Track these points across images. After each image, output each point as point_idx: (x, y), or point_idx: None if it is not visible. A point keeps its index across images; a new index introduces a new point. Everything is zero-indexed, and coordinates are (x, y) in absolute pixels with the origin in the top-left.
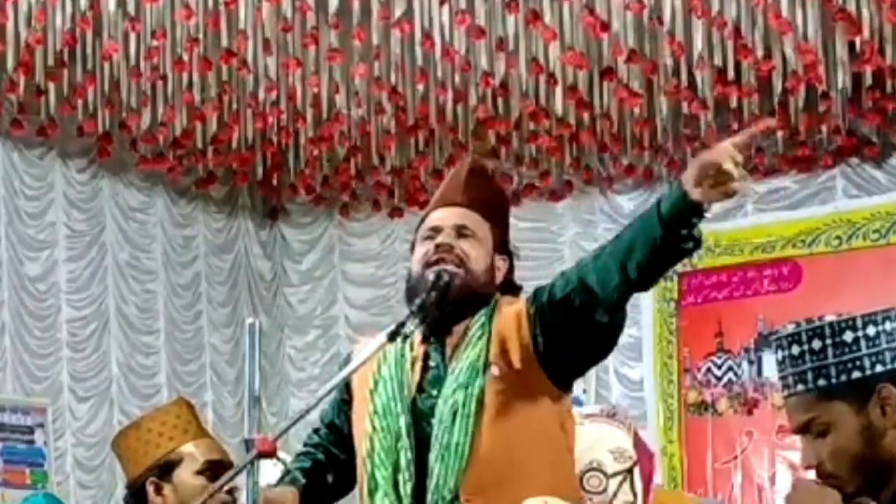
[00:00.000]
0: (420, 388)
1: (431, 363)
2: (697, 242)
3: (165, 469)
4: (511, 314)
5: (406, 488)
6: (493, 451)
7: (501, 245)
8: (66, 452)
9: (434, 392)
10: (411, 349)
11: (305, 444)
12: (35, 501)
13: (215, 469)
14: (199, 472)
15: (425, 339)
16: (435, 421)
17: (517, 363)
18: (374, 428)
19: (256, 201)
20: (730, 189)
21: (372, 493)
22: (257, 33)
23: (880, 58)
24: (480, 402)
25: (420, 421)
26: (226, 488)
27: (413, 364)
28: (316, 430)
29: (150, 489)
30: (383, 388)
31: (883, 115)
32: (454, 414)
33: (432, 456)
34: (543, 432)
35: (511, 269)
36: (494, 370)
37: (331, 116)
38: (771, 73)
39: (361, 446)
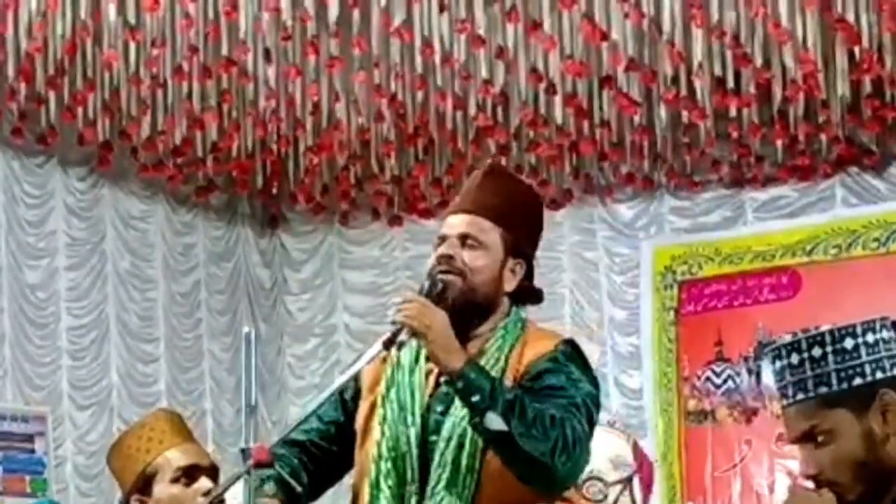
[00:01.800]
0: (429, 404)
1: (443, 378)
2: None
3: (146, 483)
4: (539, 348)
5: (411, 501)
6: (501, 479)
7: (515, 249)
8: (66, 461)
9: (439, 409)
10: (426, 360)
11: (286, 443)
12: None
13: (190, 473)
14: (175, 480)
15: None
16: (441, 442)
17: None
18: (382, 434)
19: (256, 210)
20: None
21: (374, 500)
22: (257, 42)
23: (879, 67)
24: None
25: (427, 435)
26: (206, 489)
27: (427, 375)
28: (307, 419)
29: None
30: (395, 396)
31: (882, 123)
32: (462, 442)
33: (435, 477)
34: None
35: (529, 273)
36: None
37: (330, 125)
38: (770, 81)
39: (365, 448)
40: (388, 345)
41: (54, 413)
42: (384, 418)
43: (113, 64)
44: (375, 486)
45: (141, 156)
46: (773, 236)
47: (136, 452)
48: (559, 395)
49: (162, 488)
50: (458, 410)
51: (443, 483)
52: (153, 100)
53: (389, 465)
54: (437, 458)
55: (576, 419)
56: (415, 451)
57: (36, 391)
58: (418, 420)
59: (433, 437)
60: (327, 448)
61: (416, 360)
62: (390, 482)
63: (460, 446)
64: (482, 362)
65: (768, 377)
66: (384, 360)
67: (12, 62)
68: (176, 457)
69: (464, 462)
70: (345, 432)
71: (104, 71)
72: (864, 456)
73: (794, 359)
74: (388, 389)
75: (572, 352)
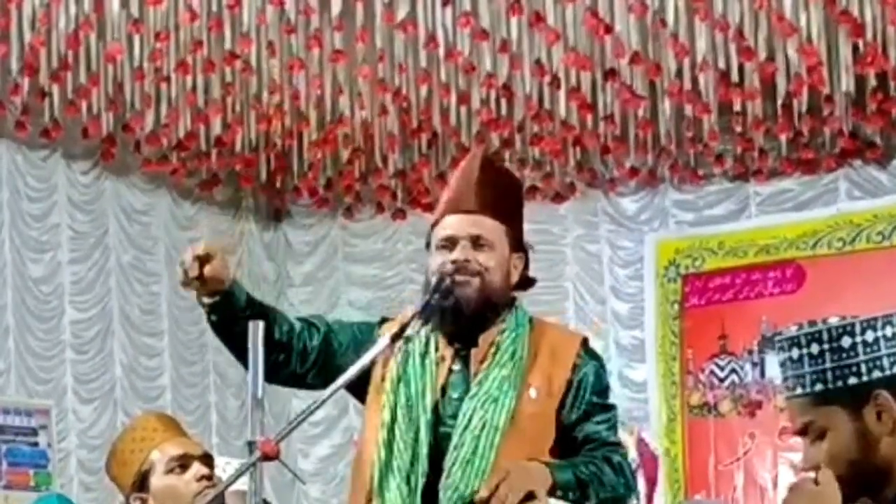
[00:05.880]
0: (443, 390)
1: (454, 367)
2: None
3: (142, 482)
4: (564, 349)
5: (419, 481)
6: (516, 457)
7: (517, 243)
8: (69, 454)
9: (455, 395)
10: (436, 349)
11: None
12: (48, 502)
13: (183, 462)
14: (169, 472)
15: (450, 342)
16: (458, 427)
17: (556, 392)
18: (394, 419)
19: (260, 203)
20: None
21: (383, 480)
22: (261, 35)
23: (884, 60)
24: (510, 418)
25: (440, 420)
26: (200, 474)
27: (438, 363)
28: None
29: None
30: (409, 381)
31: (886, 117)
32: (483, 425)
33: (450, 458)
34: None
35: (527, 265)
36: (532, 392)
37: (334, 119)
38: (774, 75)
39: (374, 428)
40: (395, 338)
41: (58, 407)
42: (396, 403)
43: (116, 57)
44: (386, 466)
45: (144, 149)
46: (777, 230)
47: (130, 455)
48: (603, 418)
49: (157, 480)
50: (477, 400)
51: (459, 462)
52: (157, 93)
53: (402, 447)
54: (455, 438)
55: (618, 447)
56: (424, 435)
57: (39, 385)
58: (430, 406)
59: (449, 422)
60: (302, 346)
61: (427, 347)
62: (402, 463)
63: (482, 425)
64: (496, 359)
65: (772, 370)
66: (393, 343)
67: (16, 56)
68: (166, 450)
69: (482, 442)
70: (317, 355)
71: (108, 64)
72: (856, 455)
73: (795, 353)
74: (399, 377)
75: (594, 352)
